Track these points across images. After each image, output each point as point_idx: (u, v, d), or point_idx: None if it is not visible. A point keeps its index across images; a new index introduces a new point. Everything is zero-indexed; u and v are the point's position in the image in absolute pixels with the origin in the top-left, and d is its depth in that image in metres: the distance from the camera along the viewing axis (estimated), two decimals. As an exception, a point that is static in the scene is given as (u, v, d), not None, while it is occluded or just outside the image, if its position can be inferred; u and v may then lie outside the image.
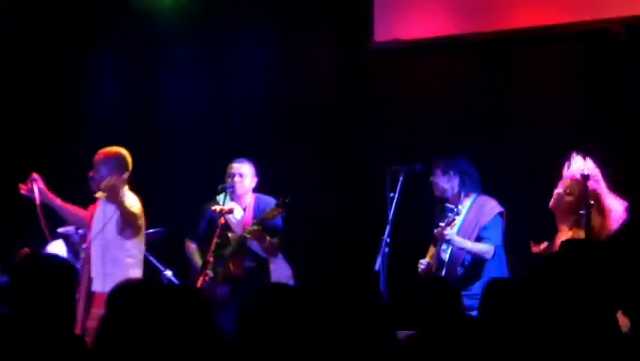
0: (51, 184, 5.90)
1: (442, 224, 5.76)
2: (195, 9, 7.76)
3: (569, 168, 5.48)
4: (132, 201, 5.76)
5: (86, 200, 5.94)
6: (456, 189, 5.96)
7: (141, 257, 5.91)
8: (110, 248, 5.76)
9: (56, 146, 7.94)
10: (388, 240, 5.87)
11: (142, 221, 5.81)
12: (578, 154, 5.47)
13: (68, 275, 3.51)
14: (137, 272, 5.76)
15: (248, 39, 7.75)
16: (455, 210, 5.77)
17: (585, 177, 5.32)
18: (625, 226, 5.23)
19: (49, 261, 3.65)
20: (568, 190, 5.44)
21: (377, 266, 5.85)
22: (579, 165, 5.45)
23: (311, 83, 7.50)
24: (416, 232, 6.26)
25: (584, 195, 5.32)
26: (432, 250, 6.02)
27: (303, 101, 7.50)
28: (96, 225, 5.81)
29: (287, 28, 7.65)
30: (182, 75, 7.84)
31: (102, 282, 5.68)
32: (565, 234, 5.44)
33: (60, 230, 7.06)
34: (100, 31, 8.03)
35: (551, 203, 5.53)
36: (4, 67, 7.87)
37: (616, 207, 5.38)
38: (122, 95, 8.08)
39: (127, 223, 5.69)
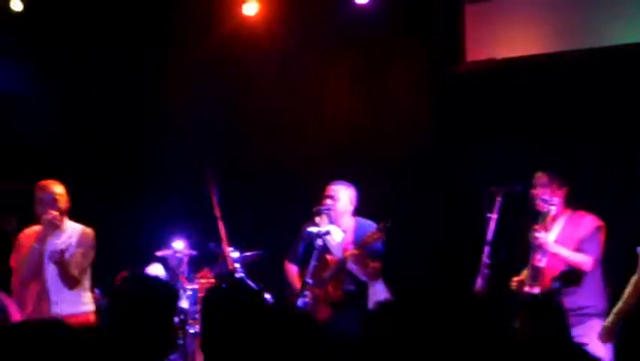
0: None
1: (537, 226, 5.73)
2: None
3: None
4: None
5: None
6: (562, 205, 5.92)
7: None
8: None
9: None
10: (488, 261, 5.85)
11: None
12: None
13: (169, 296, 3.49)
14: None
15: (337, 62, 7.83)
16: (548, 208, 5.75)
17: None
18: None
19: (152, 281, 3.62)
20: None
21: (477, 287, 5.84)
22: None
23: (405, 105, 7.50)
24: (515, 254, 6.23)
25: None
26: (526, 272, 5.94)
27: (398, 124, 7.51)
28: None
29: (377, 50, 7.69)
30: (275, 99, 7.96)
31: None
32: None
33: (158, 253, 7.22)
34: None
35: None
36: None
37: None
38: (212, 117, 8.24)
39: None
